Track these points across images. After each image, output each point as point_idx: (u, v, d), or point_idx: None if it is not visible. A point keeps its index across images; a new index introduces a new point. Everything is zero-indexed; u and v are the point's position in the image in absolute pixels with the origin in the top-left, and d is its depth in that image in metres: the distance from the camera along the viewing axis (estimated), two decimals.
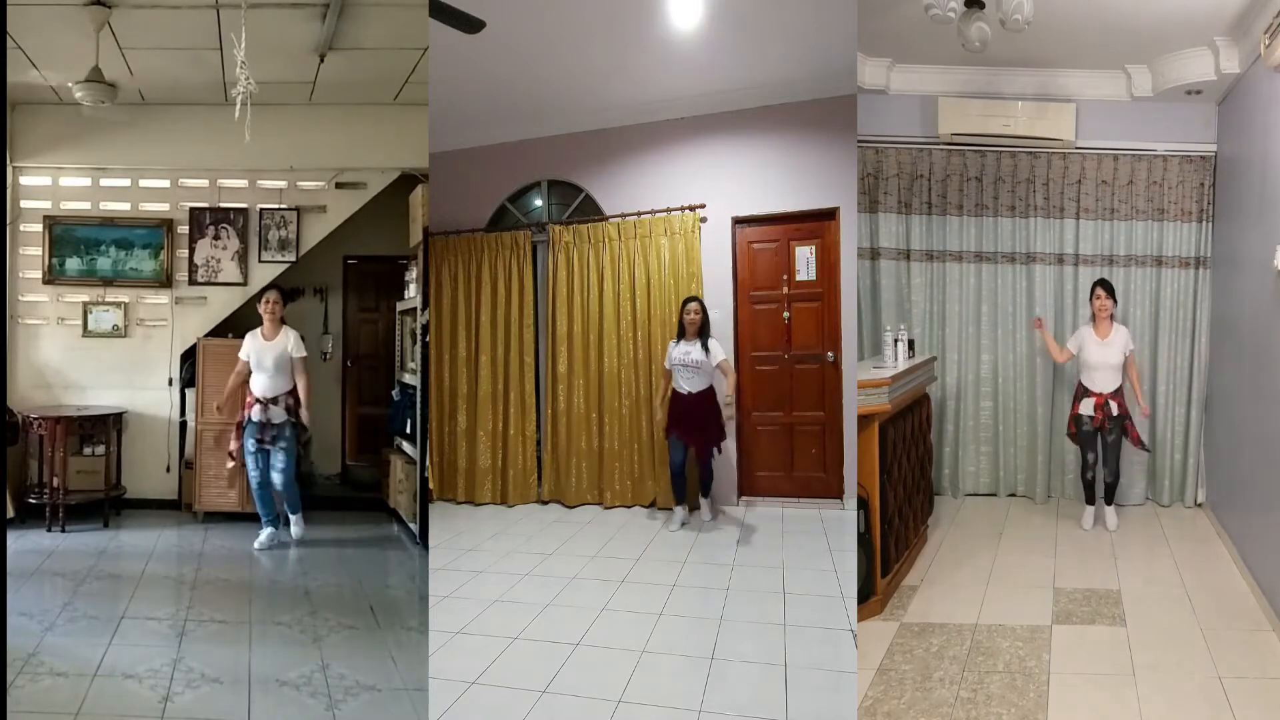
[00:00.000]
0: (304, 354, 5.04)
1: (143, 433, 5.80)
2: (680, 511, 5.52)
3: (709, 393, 5.41)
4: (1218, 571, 4.23)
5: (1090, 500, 4.95)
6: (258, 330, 5.03)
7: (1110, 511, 4.95)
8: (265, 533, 5.00)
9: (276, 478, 4.94)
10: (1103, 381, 4.82)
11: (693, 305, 5.41)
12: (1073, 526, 4.99)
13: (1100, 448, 4.85)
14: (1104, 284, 4.92)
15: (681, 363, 5.35)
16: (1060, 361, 5.15)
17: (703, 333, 5.38)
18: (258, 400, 4.91)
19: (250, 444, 4.93)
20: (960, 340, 5.64)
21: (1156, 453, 5.46)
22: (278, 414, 4.92)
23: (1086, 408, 4.84)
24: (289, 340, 4.98)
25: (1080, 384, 4.93)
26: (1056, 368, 5.53)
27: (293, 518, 5.08)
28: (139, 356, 5.85)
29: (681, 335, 5.42)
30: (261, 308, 5.03)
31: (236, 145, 4.50)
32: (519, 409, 6.47)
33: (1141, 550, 4.55)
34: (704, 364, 5.30)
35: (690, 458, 5.51)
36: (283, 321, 5.09)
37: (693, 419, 5.36)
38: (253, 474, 4.98)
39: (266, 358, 4.91)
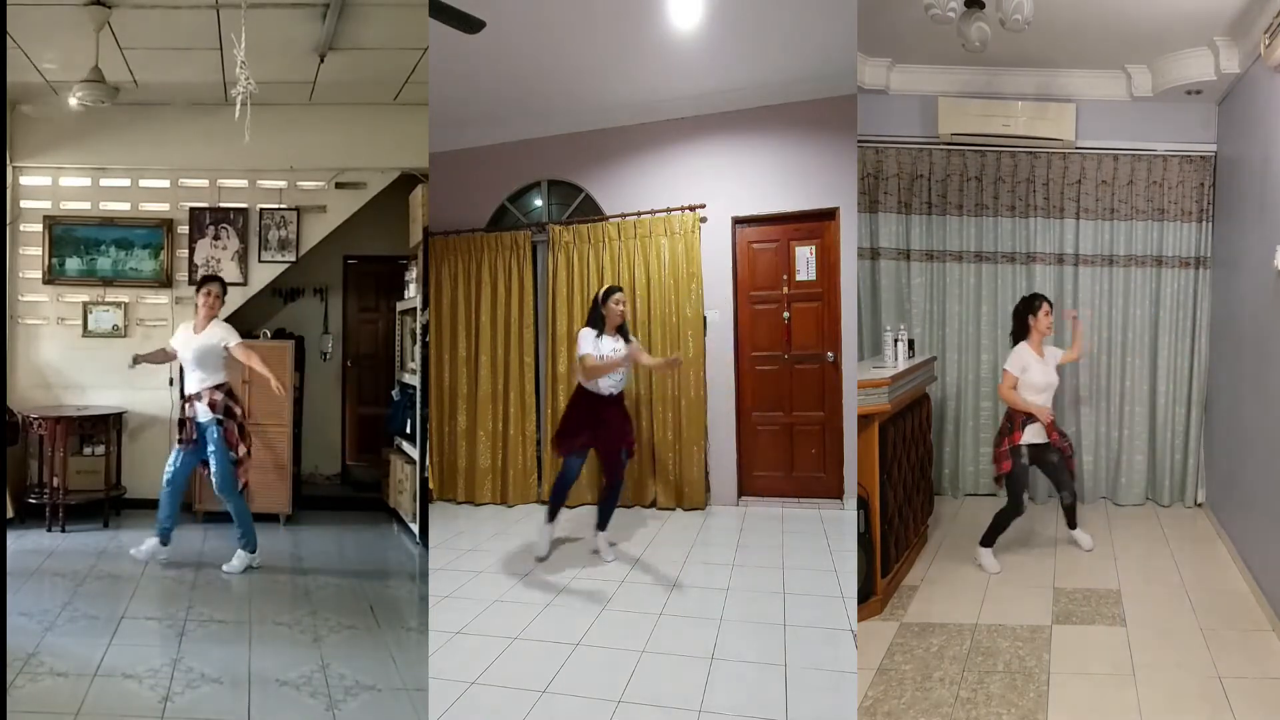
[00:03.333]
0: (237, 340, 4.49)
1: (143, 433, 5.80)
2: (550, 530, 4.76)
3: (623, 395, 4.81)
4: (1218, 571, 4.23)
5: (1073, 524, 4.57)
6: (190, 322, 4.56)
7: (1080, 533, 4.56)
8: (147, 543, 4.54)
9: (214, 486, 4.50)
10: (1046, 401, 4.33)
11: (619, 295, 4.65)
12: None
13: (1053, 473, 4.41)
14: (1047, 299, 4.41)
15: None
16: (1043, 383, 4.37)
17: (623, 326, 4.73)
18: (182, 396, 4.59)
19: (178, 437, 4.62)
20: (960, 340, 5.65)
21: (1156, 453, 5.47)
22: (201, 411, 4.44)
23: (1036, 435, 4.24)
24: (217, 333, 4.47)
25: (1015, 414, 4.25)
26: (1056, 368, 5.52)
27: (239, 549, 4.50)
28: None
29: (601, 327, 4.59)
30: (200, 299, 4.48)
31: (236, 145, 4.50)
32: (519, 409, 6.47)
33: (1141, 550, 4.55)
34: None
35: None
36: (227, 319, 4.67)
37: (613, 425, 4.66)
38: (166, 470, 4.54)
39: (187, 351, 4.48)
